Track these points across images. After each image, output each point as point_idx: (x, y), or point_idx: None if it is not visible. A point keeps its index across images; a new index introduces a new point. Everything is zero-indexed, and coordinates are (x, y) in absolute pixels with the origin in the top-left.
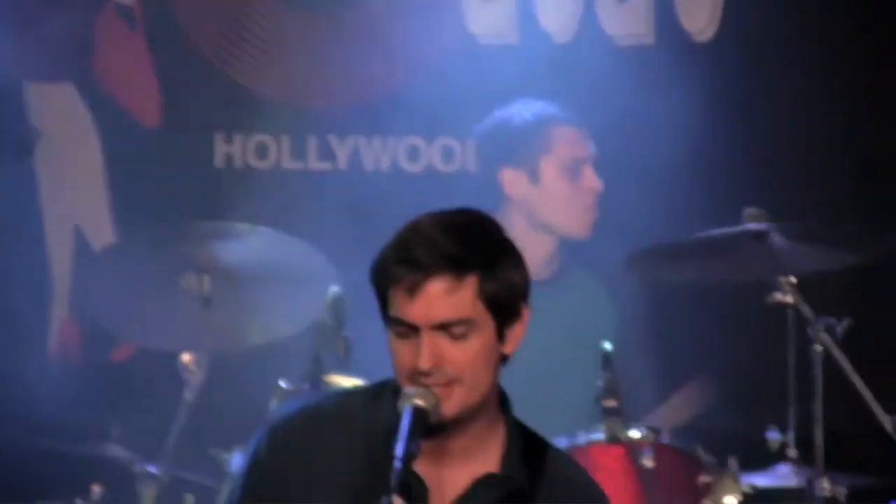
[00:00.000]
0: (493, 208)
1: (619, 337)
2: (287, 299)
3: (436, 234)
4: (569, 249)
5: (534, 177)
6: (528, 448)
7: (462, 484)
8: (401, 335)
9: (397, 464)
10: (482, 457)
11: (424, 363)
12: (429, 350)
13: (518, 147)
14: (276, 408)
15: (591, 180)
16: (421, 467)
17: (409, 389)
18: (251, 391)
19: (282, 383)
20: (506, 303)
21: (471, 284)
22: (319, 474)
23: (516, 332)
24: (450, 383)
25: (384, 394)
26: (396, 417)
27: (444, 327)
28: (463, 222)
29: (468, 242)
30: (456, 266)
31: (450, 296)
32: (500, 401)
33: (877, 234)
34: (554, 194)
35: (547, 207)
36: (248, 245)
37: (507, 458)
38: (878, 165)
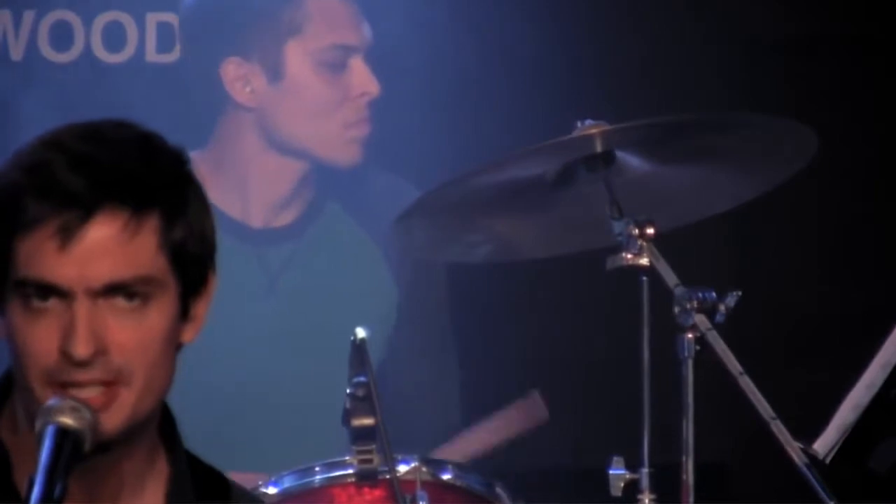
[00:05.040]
0: (213, 118)
1: (394, 321)
2: None
3: (96, 150)
4: (324, 181)
5: (274, 72)
6: (201, 490)
7: None
8: (34, 308)
9: None
10: (138, 503)
11: (82, 349)
12: (89, 327)
13: (251, 26)
14: None
15: (363, 79)
16: None
17: (53, 401)
18: None
19: None
20: (197, 260)
21: (152, 227)
22: None
23: (200, 310)
24: (114, 382)
25: None
26: None
27: (110, 292)
28: (130, 136)
29: (148, 162)
30: (135, 197)
31: (124, 243)
32: (161, 418)
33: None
34: (304, 98)
35: (292, 117)
36: None
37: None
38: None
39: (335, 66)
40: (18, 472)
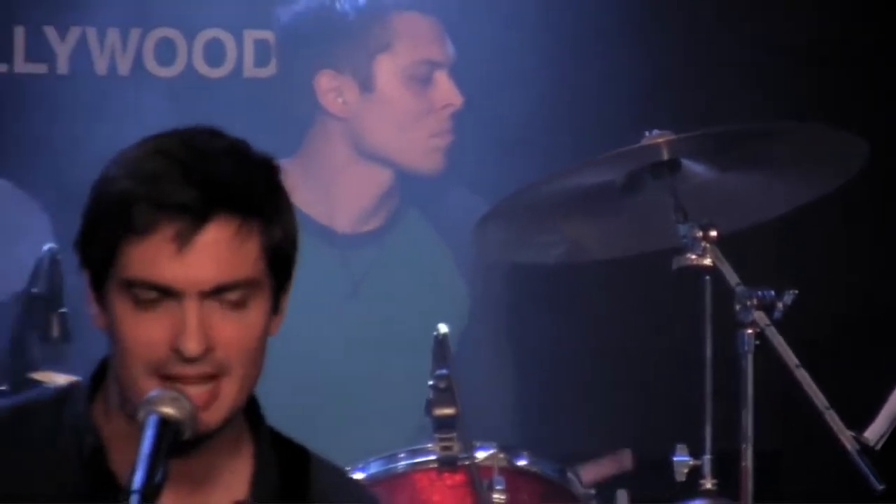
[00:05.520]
0: (303, 127)
1: (468, 319)
2: None
3: (202, 161)
4: (406, 191)
5: (365, 84)
6: (284, 464)
7: None
8: (144, 305)
9: (135, 499)
10: (227, 481)
11: (195, 346)
12: (199, 326)
13: (344, 41)
14: None
15: (447, 92)
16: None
17: (155, 392)
18: None
19: None
20: (287, 260)
21: (256, 233)
22: None
23: (285, 303)
24: (217, 375)
25: (70, 401)
26: (90, 431)
27: (218, 293)
28: (227, 145)
29: (248, 171)
30: (243, 207)
31: (234, 249)
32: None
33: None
34: (392, 109)
35: (381, 127)
36: None
37: (259, 481)
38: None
39: (421, 79)
40: (113, 457)
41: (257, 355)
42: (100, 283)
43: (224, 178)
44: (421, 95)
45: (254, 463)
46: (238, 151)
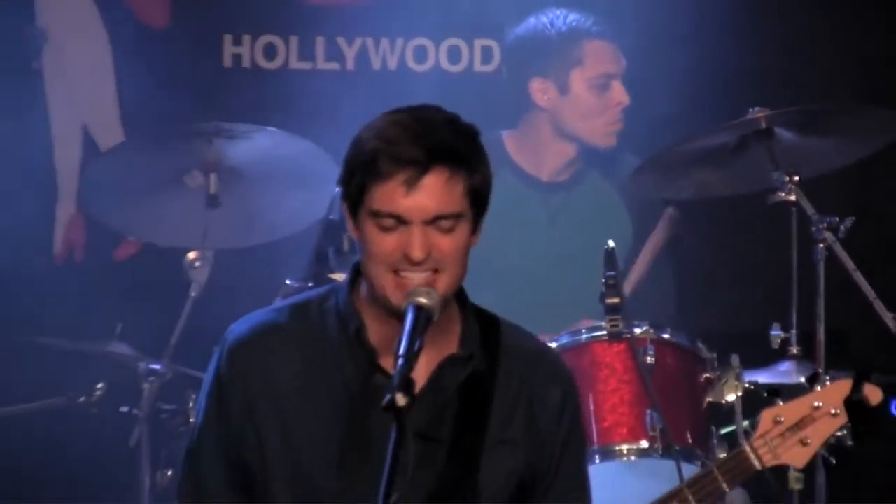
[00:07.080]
0: (518, 112)
1: (630, 242)
2: (293, 198)
3: (425, 127)
4: (588, 155)
5: (563, 88)
6: (483, 327)
7: (427, 369)
8: (385, 228)
9: (400, 361)
10: (443, 341)
11: (418, 253)
12: (422, 241)
13: (550, 58)
14: (233, 325)
15: (620, 95)
16: (385, 361)
17: (413, 290)
18: (257, 289)
19: (288, 281)
20: (484, 196)
21: (462, 179)
22: (287, 392)
23: (480, 226)
24: (434, 272)
25: (332, 296)
26: (353, 315)
27: (434, 221)
28: (444, 117)
29: (458, 136)
30: (452, 160)
31: (445, 191)
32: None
33: (884, 123)
34: (581, 106)
35: (573, 118)
36: (256, 144)
37: (465, 339)
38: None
39: (602, 86)
40: (370, 334)
41: (462, 260)
42: (355, 211)
43: (441, 140)
44: (601, 97)
45: (461, 328)
46: (451, 122)
